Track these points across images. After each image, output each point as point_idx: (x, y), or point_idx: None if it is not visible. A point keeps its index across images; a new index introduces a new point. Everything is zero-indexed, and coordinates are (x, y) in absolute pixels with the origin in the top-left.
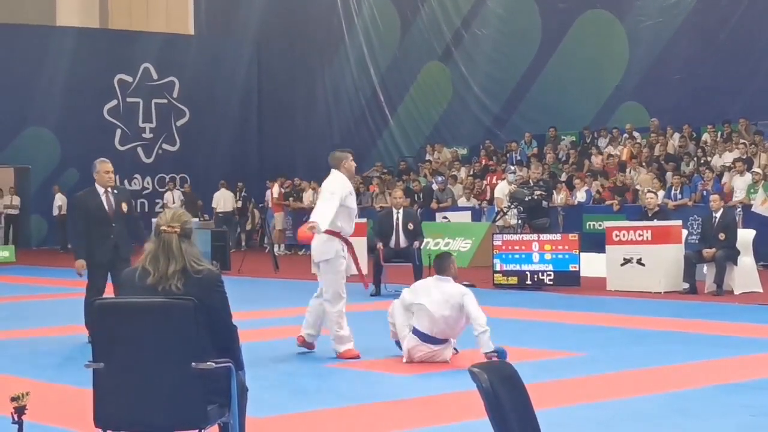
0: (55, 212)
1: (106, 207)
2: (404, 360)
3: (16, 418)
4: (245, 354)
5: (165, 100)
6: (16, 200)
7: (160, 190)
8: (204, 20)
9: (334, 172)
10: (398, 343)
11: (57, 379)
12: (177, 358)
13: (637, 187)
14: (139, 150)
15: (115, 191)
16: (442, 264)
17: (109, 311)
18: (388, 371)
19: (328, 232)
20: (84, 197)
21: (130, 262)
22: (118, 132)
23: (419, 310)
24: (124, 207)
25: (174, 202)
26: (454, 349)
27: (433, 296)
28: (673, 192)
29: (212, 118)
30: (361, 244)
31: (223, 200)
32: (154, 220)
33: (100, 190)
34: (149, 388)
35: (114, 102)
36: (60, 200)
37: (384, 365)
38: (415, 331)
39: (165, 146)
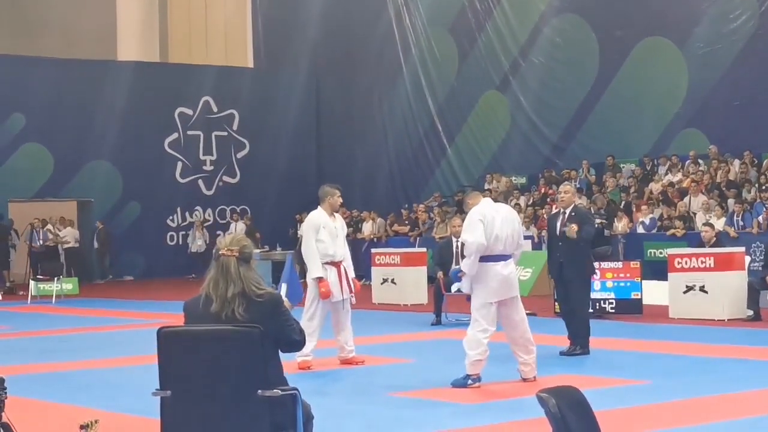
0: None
1: None
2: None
3: None
4: (308, 383)
5: (225, 133)
6: (74, 233)
7: (221, 221)
8: (263, 52)
9: (318, 208)
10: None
11: (125, 408)
12: (243, 386)
13: (693, 213)
14: (200, 182)
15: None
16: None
17: (174, 340)
18: (454, 400)
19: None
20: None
21: None
22: (179, 164)
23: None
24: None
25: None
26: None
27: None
28: (735, 219)
29: (271, 150)
30: (420, 273)
31: None
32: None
33: None
34: (216, 416)
35: (175, 135)
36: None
37: (449, 394)
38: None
39: (225, 178)
